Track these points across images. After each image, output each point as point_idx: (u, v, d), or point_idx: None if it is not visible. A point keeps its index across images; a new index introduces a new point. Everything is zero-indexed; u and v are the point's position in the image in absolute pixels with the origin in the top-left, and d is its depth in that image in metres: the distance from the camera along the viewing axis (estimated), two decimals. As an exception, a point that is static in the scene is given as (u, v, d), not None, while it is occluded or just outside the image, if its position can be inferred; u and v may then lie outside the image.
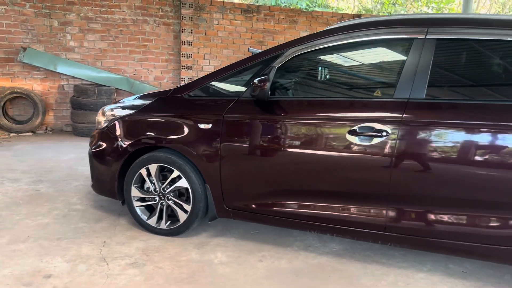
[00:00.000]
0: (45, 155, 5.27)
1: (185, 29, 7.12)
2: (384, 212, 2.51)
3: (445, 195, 2.39)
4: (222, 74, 2.89)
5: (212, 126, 2.79)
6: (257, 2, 13.96)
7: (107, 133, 3.13)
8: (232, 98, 2.81)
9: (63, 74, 6.79)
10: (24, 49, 6.47)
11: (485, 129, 2.30)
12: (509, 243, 2.32)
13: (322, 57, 2.79)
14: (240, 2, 9.08)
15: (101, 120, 3.23)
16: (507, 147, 2.25)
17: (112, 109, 3.19)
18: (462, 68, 2.56)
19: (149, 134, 2.96)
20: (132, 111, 3.06)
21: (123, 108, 3.14)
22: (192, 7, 7.07)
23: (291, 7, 8.88)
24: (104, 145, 3.14)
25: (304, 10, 8.09)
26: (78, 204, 3.63)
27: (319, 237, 3.17)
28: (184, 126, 2.87)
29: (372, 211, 2.55)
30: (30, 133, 6.60)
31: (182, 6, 7.04)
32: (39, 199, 3.69)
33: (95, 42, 6.90)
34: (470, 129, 2.32)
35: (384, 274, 2.69)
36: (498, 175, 2.29)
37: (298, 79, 2.85)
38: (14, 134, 6.48)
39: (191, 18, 7.10)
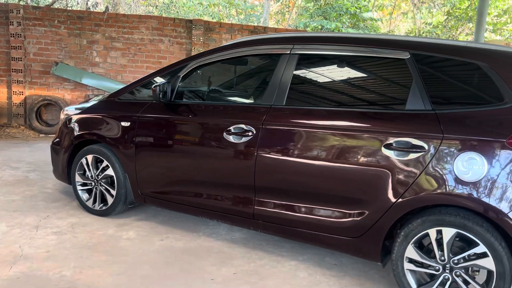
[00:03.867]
0: (54, 152, 6.17)
1: (195, 48, 7.87)
2: (252, 201, 2.91)
3: (294, 188, 2.75)
4: (145, 80, 3.46)
5: (130, 124, 3.36)
6: (293, 25, 14.55)
7: (61, 129, 3.83)
8: (147, 101, 3.37)
9: (89, 86, 7.80)
10: (56, 63, 7.57)
11: (331, 132, 2.62)
12: (347, 234, 2.62)
13: (214, 68, 3.27)
14: (248, 23, 9.71)
15: (61, 118, 3.95)
16: (347, 147, 2.56)
17: (67, 109, 3.90)
18: (318, 79, 2.92)
19: (87, 130, 3.60)
20: (79, 111, 3.73)
21: (76, 108, 3.83)
22: (202, 28, 7.81)
23: (298, 28, 9.31)
24: (58, 139, 3.84)
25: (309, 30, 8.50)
26: (50, 188, 4.36)
27: (229, 227, 3.57)
28: (111, 124, 3.47)
29: (244, 200, 2.95)
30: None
31: (193, 28, 7.81)
32: (22, 183, 4.48)
33: (117, 59, 7.85)
34: (317, 132, 2.65)
35: (259, 258, 3.05)
36: (339, 171, 2.60)
37: (195, 86, 3.35)
38: (43, 135, 7.55)
39: (201, 38, 7.84)
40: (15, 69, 7.58)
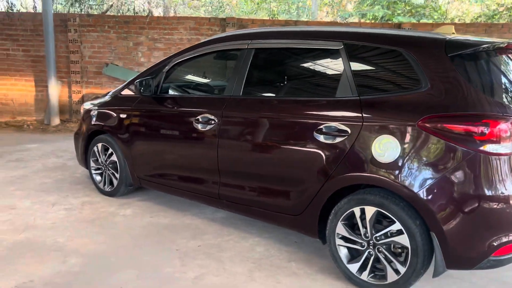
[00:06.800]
0: (98, 144, 6.97)
1: (230, 45, 8.30)
2: (217, 183, 3.25)
3: (248, 170, 3.04)
4: (139, 77, 3.93)
5: (126, 116, 3.86)
6: (343, 16, 14.38)
7: (80, 121, 4.46)
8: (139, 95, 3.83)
9: (136, 84, 8.58)
10: (107, 64, 8.45)
11: (275, 120, 2.88)
12: (291, 212, 2.87)
13: (190, 64, 3.63)
14: (280, 18, 9.86)
15: (81, 112, 4.58)
16: (288, 133, 2.80)
17: (85, 105, 4.51)
18: (269, 71, 3.16)
19: (97, 122, 4.17)
20: (93, 106, 4.32)
21: (91, 103, 4.42)
22: (235, 25, 8.22)
23: (346, 19, 9.30)
24: (78, 129, 4.48)
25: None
26: (79, 173, 5.04)
27: (215, 209, 3.92)
28: (113, 116, 3.99)
29: (210, 182, 3.30)
30: (107, 129, 8.55)
31: (227, 25, 8.24)
32: (59, 169, 5.23)
33: (159, 58, 8.52)
34: (270, 120, 2.90)
35: (228, 234, 3.38)
36: (281, 155, 2.85)
37: (176, 80, 3.74)
38: (96, 129, 8.48)
39: (235, 35, 8.25)
40: (73, 71, 8.58)
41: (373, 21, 12.97)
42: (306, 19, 13.22)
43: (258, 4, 14.50)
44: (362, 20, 13.39)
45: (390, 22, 11.47)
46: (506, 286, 2.72)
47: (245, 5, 14.24)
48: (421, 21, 12.38)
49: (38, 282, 2.62)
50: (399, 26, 8.60)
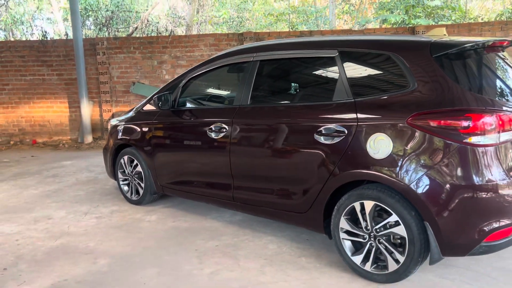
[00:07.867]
0: (127, 158, 7.37)
1: (249, 58, 8.61)
2: (231, 186, 3.49)
3: (257, 173, 3.27)
4: (158, 93, 4.25)
5: (148, 129, 4.18)
6: (361, 23, 14.46)
7: (108, 137, 4.82)
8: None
9: (161, 100, 9.01)
10: (134, 83, 8.91)
11: (284, 125, 3.09)
12: (298, 210, 3.07)
13: (203, 78, 3.91)
14: (299, 29, 10.06)
15: (108, 127, 4.94)
16: (293, 136, 3.03)
17: (111, 121, 4.87)
18: (273, 80, 3.39)
19: (122, 136, 4.51)
20: (118, 121, 4.67)
21: (117, 120, 4.78)
22: (252, 39, 8.53)
23: (363, 26, 9.44)
24: (106, 144, 4.84)
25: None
26: (109, 186, 5.41)
27: (233, 212, 4.17)
28: (136, 130, 4.32)
29: (225, 185, 3.54)
30: (136, 144, 8.98)
31: (244, 40, 8.56)
32: (91, 182, 5.61)
33: (182, 74, 8.95)
34: (275, 125, 3.14)
35: (244, 235, 3.61)
36: (287, 157, 3.07)
37: (191, 94, 4.03)
38: (126, 145, 8.93)
39: (253, 48, 8.56)
40: (103, 91, 9.10)
41: (393, 26, 13.03)
42: (324, 29, 13.42)
43: (277, 17, 14.86)
44: (383, 26, 13.47)
45: (409, 26, 11.52)
46: (510, 274, 2.81)
47: (264, 19, 14.61)
48: (440, 23, 12.35)
49: (72, 281, 2.92)
50: (413, 29, 8.69)
